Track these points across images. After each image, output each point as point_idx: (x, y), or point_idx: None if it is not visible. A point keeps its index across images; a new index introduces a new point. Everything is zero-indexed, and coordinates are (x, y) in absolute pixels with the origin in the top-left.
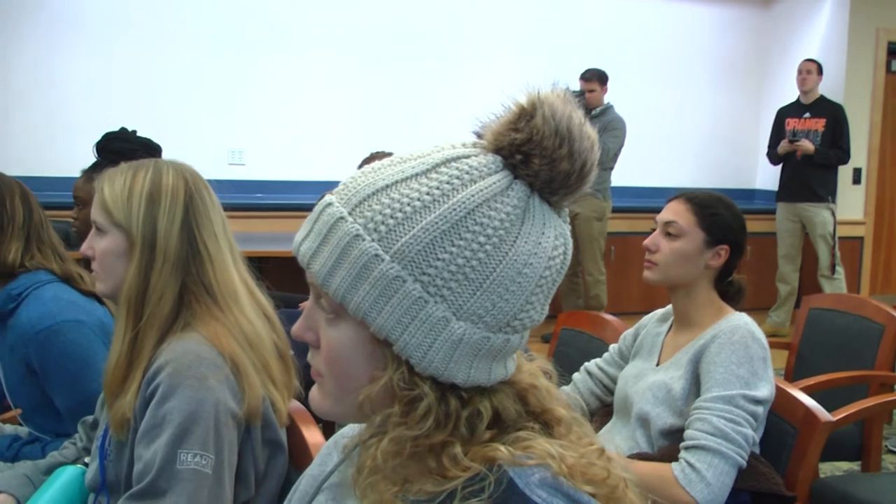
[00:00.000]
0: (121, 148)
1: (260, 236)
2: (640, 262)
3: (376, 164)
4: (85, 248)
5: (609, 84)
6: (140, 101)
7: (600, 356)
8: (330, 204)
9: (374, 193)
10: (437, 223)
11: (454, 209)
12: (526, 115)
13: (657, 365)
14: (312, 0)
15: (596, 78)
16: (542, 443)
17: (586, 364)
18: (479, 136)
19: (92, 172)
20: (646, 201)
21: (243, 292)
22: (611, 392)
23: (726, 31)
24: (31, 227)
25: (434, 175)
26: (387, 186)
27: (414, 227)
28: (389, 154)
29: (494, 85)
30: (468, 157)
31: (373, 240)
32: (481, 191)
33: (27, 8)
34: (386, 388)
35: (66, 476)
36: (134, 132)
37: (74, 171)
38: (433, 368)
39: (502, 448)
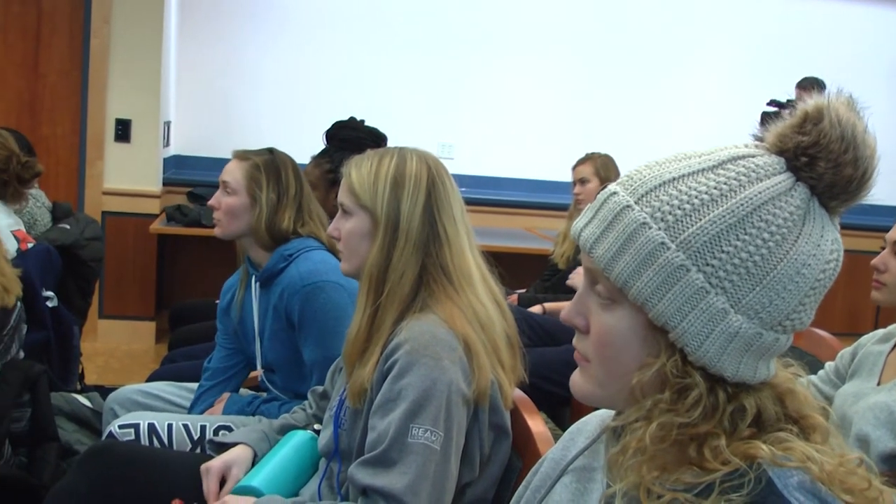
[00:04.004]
0: (349, 136)
1: None
2: (842, 280)
3: (659, 158)
4: (331, 229)
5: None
6: (357, 93)
7: (813, 373)
8: (615, 193)
9: (661, 185)
10: (723, 217)
11: (741, 205)
12: (812, 119)
13: (878, 384)
14: None
15: (814, 86)
16: (802, 446)
17: (799, 380)
18: (759, 139)
19: (320, 158)
20: (854, 218)
21: (477, 276)
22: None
23: None
24: (302, 198)
25: (721, 171)
26: (674, 179)
27: (701, 219)
28: (606, 156)
29: (702, 91)
30: (753, 156)
31: (659, 228)
32: (766, 189)
33: (258, 7)
34: (657, 375)
35: (298, 439)
36: (362, 121)
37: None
38: (706, 359)
39: (764, 447)
